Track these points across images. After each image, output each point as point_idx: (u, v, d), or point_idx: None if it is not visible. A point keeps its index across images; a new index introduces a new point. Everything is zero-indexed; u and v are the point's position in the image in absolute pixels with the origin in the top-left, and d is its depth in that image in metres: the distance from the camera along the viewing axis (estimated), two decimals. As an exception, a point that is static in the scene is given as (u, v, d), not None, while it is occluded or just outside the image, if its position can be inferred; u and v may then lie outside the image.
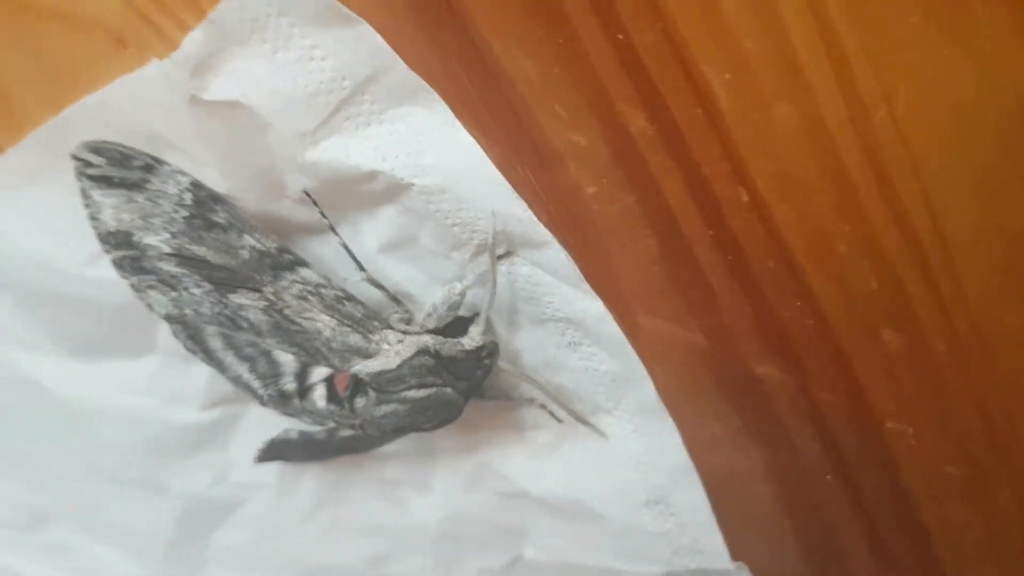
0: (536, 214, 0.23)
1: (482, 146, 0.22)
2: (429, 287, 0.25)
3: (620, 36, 0.20)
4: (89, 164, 0.22)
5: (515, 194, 0.22)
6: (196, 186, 0.23)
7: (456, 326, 0.24)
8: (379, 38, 0.21)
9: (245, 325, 0.23)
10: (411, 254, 0.24)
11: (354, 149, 0.22)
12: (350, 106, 0.21)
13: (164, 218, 0.22)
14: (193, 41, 0.21)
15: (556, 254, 0.23)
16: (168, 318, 0.23)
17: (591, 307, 0.24)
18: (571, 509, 0.29)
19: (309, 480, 0.34)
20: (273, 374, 0.24)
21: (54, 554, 0.44)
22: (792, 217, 0.22)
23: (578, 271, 0.24)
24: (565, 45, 0.21)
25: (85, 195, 0.22)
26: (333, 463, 0.33)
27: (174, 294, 0.23)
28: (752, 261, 0.23)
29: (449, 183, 0.22)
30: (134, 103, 0.22)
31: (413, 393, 0.23)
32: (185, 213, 0.23)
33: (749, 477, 0.28)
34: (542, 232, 0.23)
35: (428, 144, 0.22)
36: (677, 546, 0.28)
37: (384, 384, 0.23)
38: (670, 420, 0.26)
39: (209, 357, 0.24)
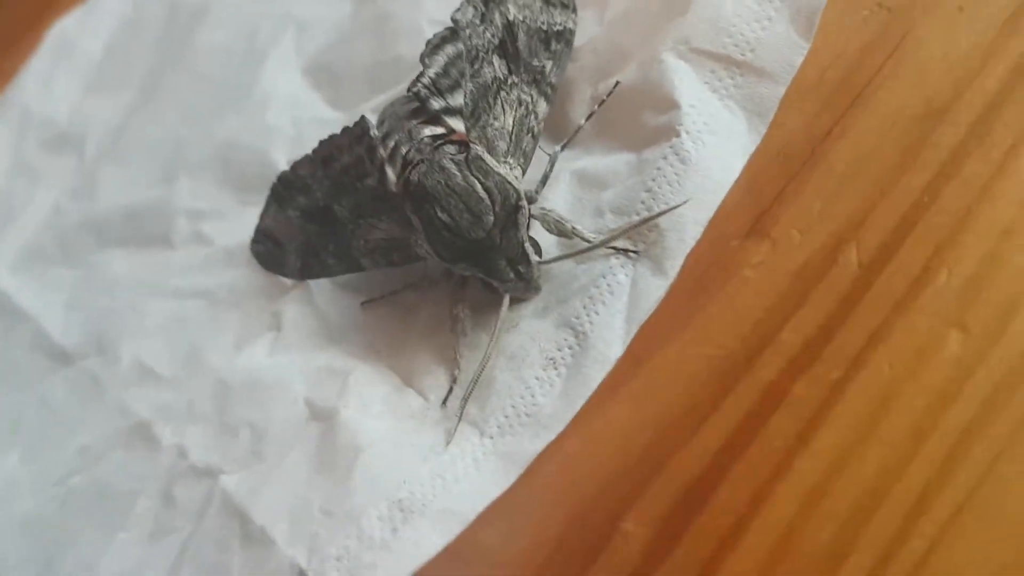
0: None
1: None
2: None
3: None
4: None
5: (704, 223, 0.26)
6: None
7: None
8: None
9: (477, 65, 0.30)
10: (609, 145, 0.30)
11: (688, 78, 0.28)
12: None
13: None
14: None
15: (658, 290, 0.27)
16: (455, 22, 0.30)
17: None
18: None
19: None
20: (450, 88, 0.30)
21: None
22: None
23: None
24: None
25: None
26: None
27: (480, 28, 0.31)
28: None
29: (700, 168, 0.27)
30: None
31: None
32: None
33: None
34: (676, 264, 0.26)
35: (718, 143, 0.27)
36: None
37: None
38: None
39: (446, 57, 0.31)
